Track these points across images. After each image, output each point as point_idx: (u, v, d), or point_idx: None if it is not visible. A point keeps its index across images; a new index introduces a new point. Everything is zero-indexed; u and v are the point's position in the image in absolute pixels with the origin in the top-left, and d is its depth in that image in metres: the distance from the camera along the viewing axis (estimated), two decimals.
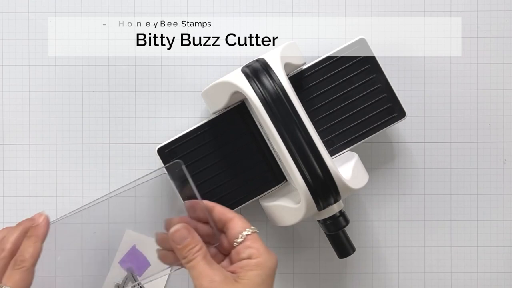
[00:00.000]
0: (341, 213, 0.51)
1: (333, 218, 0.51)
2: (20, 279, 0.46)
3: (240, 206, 0.53)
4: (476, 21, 0.59)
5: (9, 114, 0.58)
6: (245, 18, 0.58)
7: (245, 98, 0.50)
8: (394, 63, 0.58)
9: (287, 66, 0.50)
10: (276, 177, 0.53)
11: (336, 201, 0.49)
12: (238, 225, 0.48)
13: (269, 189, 0.53)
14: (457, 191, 0.59)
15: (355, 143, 0.54)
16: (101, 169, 0.58)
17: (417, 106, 0.59)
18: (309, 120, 0.48)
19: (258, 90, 0.47)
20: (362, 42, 0.54)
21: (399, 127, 0.59)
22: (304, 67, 0.54)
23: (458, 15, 0.59)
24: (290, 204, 0.50)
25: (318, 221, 0.52)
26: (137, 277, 0.53)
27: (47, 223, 0.48)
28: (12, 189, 0.58)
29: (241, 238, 0.48)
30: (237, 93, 0.49)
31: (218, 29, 0.58)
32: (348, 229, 0.53)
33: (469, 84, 0.59)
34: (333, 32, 0.58)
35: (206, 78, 0.58)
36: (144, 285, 0.55)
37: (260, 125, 0.52)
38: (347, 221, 0.52)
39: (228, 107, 0.53)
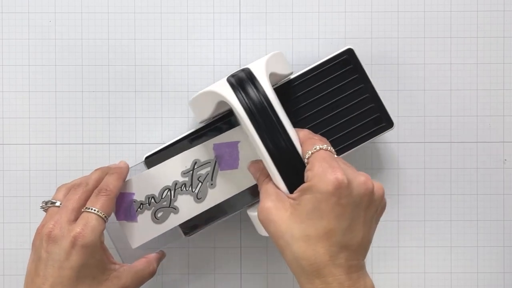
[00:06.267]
0: None
1: None
2: (105, 204, 0.49)
3: (228, 216, 0.54)
4: (476, 21, 0.59)
5: (9, 114, 0.58)
6: (245, 18, 0.59)
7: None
8: (394, 63, 0.58)
9: (272, 75, 0.50)
10: None
11: None
12: (306, 145, 0.46)
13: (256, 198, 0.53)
14: (457, 191, 0.59)
15: (343, 153, 0.53)
16: None
17: (417, 106, 0.59)
18: (294, 131, 0.48)
19: (243, 100, 0.47)
20: (350, 52, 0.54)
21: (399, 127, 0.59)
22: (292, 76, 0.54)
23: (458, 15, 0.59)
24: None
25: None
26: (218, 168, 0.52)
27: (128, 166, 0.52)
28: (12, 189, 0.58)
29: (306, 160, 0.46)
30: (223, 102, 0.49)
31: (218, 29, 0.58)
32: None
33: (469, 84, 0.59)
34: (333, 32, 0.58)
35: (206, 78, 0.58)
36: (216, 184, 0.52)
37: (246, 134, 0.52)
38: None
39: (216, 116, 0.53)
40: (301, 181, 0.45)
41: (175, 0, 0.58)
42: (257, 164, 0.50)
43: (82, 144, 0.58)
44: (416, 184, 0.59)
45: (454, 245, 0.59)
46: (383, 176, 0.59)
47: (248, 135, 0.48)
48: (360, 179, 0.44)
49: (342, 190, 0.43)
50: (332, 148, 0.46)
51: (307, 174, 0.45)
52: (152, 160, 0.53)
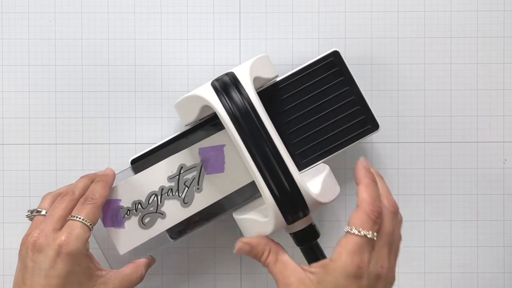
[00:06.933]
0: (311, 227, 0.51)
1: (303, 232, 0.50)
2: (90, 212, 0.49)
3: (218, 217, 0.53)
4: (476, 21, 0.59)
5: (9, 114, 0.59)
6: (245, 18, 0.59)
7: None
8: (394, 63, 0.58)
9: (257, 79, 0.50)
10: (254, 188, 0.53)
11: (305, 215, 0.48)
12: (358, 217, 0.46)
13: (245, 201, 0.53)
14: (457, 191, 0.59)
15: (328, 155, 0.53)
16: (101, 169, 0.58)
17: (417, 106, 0.59)
18: (277, 135, 0.48)
19: (227, 105, 0.47)
20: (335, 54, 0.54)
21: (399, 127, 0.59)
22: (278, 79, 0.54)
23: (458, 15, 0.59)
24: (260, 218, 0.50)
25: (290, 234, 0.51)
26: (204, 172, 0.52)
27: (114, 173, 0.53)
28: (12, 189, 0.58)
29: (346, 229, 0.46)
30: (208, 106, 0.49)
31: (218, 29, 0.58)
32: None
33: (469, 84, 0.59)
34: (333, 32, 0.58)
35: (206, 78, 0.58)
36: (203, 188, 0.52)
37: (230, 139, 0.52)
38: (317, 235, 0.51)
39: (201, 119, 0.53)
40: (284, 186, 0.46)
41: (175, 0, 0.58)
42: (256, 240, 0.48)
43: (82, 144, 0.58)
44: (416, 184, 0.59)
45: (454, 245, 0.59)
46: (383, 176, 0.59)
47: (232, 139, 0.48)
48: (380, 272, 0.46)
49: (362, 281, 0.45)
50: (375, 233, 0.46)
51: (337, 250, 0.45)
52: (138, 165, 0.53)
